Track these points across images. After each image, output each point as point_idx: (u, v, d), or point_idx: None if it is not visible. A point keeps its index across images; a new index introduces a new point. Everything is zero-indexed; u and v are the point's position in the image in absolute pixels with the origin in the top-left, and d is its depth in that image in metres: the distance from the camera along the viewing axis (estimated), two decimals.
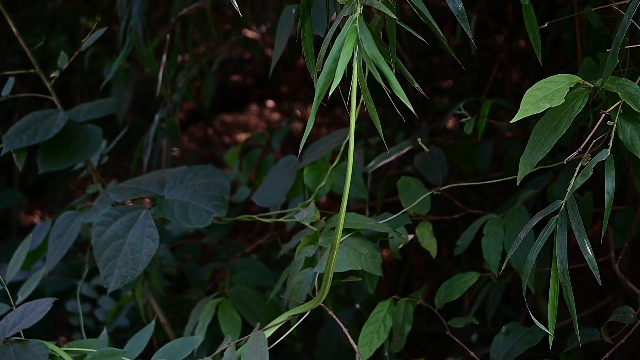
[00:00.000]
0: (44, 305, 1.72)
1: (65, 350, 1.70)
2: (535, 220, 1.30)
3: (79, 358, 1.71)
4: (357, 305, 2.52)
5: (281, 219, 1.97)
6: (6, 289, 1.95)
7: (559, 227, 1.27)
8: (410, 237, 1.89)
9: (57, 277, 3.61)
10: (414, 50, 3.01)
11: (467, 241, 1.87)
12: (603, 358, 1.56)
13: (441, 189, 1.86)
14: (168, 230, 2.90)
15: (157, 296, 2.36)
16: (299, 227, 1.92)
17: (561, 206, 1.28)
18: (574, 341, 1.74)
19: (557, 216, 1.28)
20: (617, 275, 1.74)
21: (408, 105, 1.13)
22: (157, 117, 2.67)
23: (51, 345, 1.68)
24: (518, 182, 1.33)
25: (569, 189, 1.27)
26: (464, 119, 2.04)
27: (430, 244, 1.89)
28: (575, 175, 1.26)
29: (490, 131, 2.43)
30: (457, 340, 1.80)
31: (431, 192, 1.88)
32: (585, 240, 1.24)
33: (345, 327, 2.48)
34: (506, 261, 1.47)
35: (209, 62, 3.20)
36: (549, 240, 2.17)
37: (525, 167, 1.34)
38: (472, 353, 1.74)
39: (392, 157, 2.10)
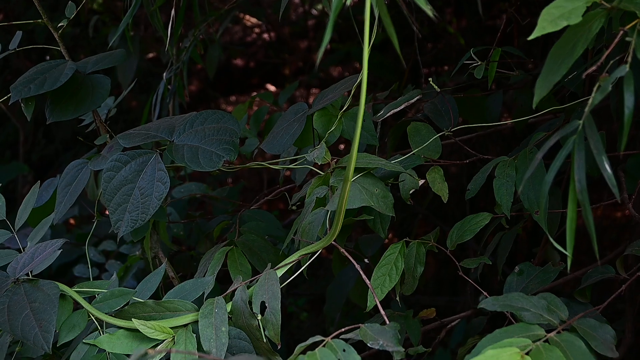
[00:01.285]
0: (55, 246, 1.72)
1: (75, 291, 1.70)
2: (552, 142, 1.28)
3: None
4: (366, 260, 2.50)
5: (292, 165, 1.96)
6: (16, 236, 1.94)
7: (576, 146, 1.25)
8: (421, 182, 1.88)
9: (64, 247, 3.61)
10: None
11: (479, 184, 1.86)
12: (619, 291, 1.55)
13: (453, 129, 1.85)
14: (174, 196, 2.90)
15: (166, 250, 2.35)
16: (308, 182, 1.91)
17: (579, 126, 1.27)
18: (589, 279, 1.73)
19: (574, 136, 1.27)
20: (632, 214, 1.73)
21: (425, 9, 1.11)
22: (165, 75, 2.66)
23: (62, 286, 1.67)
24: (534, 105, 1.32)
25: (587, 108, 1.26)
26: (474, 65, 2.02)
27: (441, 188, 1.88)
28: (594, 91, 1.25)
29: (499, 84, 2.42)
30: (470, 280, 1.79)
31: (442, 132, 1.87)
32: (603, 157, 1.23)
33: (353, 283, 2.48)
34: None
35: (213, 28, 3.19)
36: (560, 183, 2.17)
37: (541, 90, 1.32)
38: (484, 293, 1.73)
39: (401, 107, 2.09)
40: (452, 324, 2.39)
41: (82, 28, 4.75)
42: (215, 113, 1.91)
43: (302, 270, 1.73)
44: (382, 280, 1.79)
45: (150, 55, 5.42)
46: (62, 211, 2.02)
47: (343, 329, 1.46)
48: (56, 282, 1.65)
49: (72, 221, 4.25)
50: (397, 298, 1.85)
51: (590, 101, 1.26)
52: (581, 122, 1.27)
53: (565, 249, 1.30)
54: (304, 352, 1.41)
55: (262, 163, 1.97)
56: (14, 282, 1.66)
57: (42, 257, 1.69)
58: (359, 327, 1.49)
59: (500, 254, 2.06)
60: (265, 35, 6.07)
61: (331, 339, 1.41)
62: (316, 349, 1.39)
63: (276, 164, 2.02)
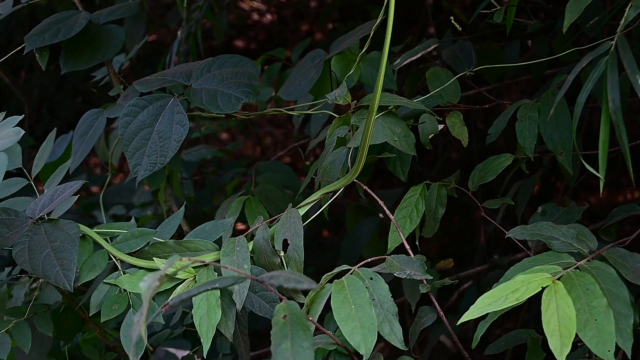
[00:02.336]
0: (74, 187, 1.70)
1: (96, 232, 1.68)
2: (585, 61, 1.27)
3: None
4: (381, 215, 2.49)
5: (310, 111, 1.95)
6: (32, 183, 1.93)
7: (609, 67, 1.24)
8: (441, 127, 1.86)
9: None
10: None
11: (500, 128, 1.84)
12: None
13: (474, 69, 1.83)
14: (185, 159, 2.89)
15: (180, 205, 2.34)
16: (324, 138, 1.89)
17: (611, 46, 1.25)
18: (614, 217, 1.72)
19: (607, 57, 1.25)
20: None
21: None
22: (179, 33, 2.64)
23: (82, 226, 1.66)
24: (565, 30, 1.30)
25: (619, 28, 1.24)
26: (493, 10, 2.00)
27: (461, 132, 1.86)
28: (627, 10, 1.23)
29: (514, 36, 2.41)
30: (493, 222, 1.77)
31: (464, 72, 1.85)
32: (637, 76, 1.21)
33: (367, 239, 2.47)
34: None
35: None
36: (580, 129, 2.15)
37: (572, 14, 1.31)
38: (507, 231, 1.71)
39: (418, 55, 2.07)
40: (462, 287, 2.38)
41: None
42: (232, 57, 1.89)
43: (322, 210, 1.72)
44: (402, 223, 1.77)
45: (152, 38, 5.40)
46: (78, 160, 2.01)
47: (368, 259, 1.45)
48: (76, 223, 1.63)
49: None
50: (417, 242, 1.83)
51: (622, 21, 1.25)
52: (613, 42, 1.26)
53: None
54: (330, 281, 1.40)
55: (280, 109, 1.95)
56: (34, 222, 1.65)
57: (61, 198, 1.68)
58: (384, 259, 1.48)
59: (519, 202, 2.05)
60: (268, 17, 6.04)
61: (358, 267, 1.40)
62: (343, 277, 1.37)
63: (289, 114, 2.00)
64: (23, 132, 1.37)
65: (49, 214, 1.66)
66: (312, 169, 1.87)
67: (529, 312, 2.48)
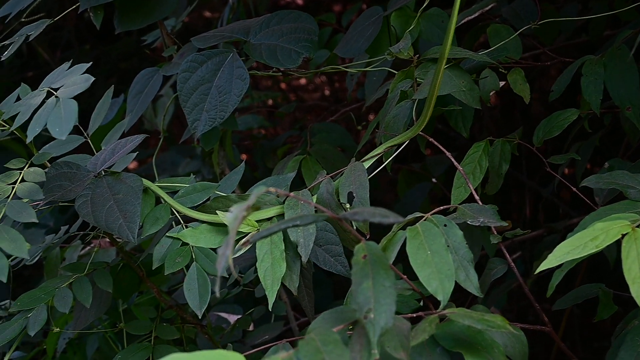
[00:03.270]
0: (135, 141, 1.69)
1: (158, 186, 1.67)
2: None
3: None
4: (434, 180, 2.47)
5: (369, 68, 1.92)
6: (89, 141, 1.92)
7: None
8: (502, 83, 1.83)
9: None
10: None
11: (564, 84, 1.81)
12: None
13: (539, 22, 1.80)
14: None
15: (232, 168, 2.32)
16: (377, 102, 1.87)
17: None
18: None
19: None
20: None
21: None
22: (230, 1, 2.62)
23: (144, 180, 1.64)
24: None
25: None
26: None
27: (523, 89, 1.83)
28: None
29: None
30: (557, 176, 1.74)
31: (527, 26, 1.82)
32: None
33: (419, 204, 2.44)
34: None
35: None
36: None
37: None
38: (573, 187, 1.68)
39: (476, 14, 2.03)
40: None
41: None
42: (291, 13, 1.87)
43: (386, 165, 1.69)
44: (464, 180, 1.74)
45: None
46: (133, 119, 2.00)
47: (441, 207, 1.42)
48: (138, 176, 1.62)
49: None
50: (477, 198, 1.80)
51: None
52: None
53: None
54: (403, 228, 1.38)
55: (338, 67, 1.93)
56: (96, 176, 1.64)
57: (122, 152, 1.67)
58: (455, 207, 1.46)
59: (579, 163, 2.01)
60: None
61: (430, 214, 1.38)
62: (417, 223, 1.35)
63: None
64: (93, 78, 1.35)
65: (109, 169, 1.65)
66: (371, 126, 1.84)
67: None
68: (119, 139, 1.82)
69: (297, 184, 2.01)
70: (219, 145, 2.20)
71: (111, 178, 1.62)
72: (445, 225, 1.35)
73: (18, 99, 1.62)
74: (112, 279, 1.77)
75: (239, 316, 2.32)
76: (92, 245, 2.39)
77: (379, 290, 1.11)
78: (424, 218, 1.36)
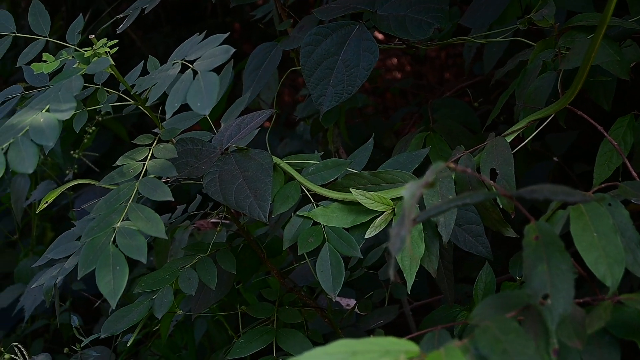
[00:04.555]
0: (262, 116, 1.62)
1: (287, 163, 1.60)
2: None
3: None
4: (555, 159, 2.35)
5: (499, 39, 1.82)
6: (207, 117, 1.86)
7: None
8: None
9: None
10: None
11: None
12: None
13: None
14: None
15: (345, 146, 2.25)
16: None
17: None
18: None
19: None
20: None
21: None
22: None
23: (274, 157, 1.58)
24: None
25: None
26: None
27: None
28: None
29: None
30: None
31: None
32: None
33: (543, 182, 2.33)
34: None
35: None
36: None
37: None
38: None
39: None
40: None
41: None
42: None
43: (526, 143, 1.60)
44: (608, 157, 1.64)
45: None
46: (252, 96, 1.94)
47: (603, 185, 1.32)
48: (268, 152, 1.56)
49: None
50: (635, 175, 1.69)
51: None
52: None
53: None
54: (561, 207, 1.28)
55: (465, 38, 1.83)
56: (222, 152, 1.58)
57: (250, 127, 1.61)
58: (615, 185, 1.36)
59: None
60: None
61: (592, 192, 1.28)
62: (579, 204, 1.25)
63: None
64: (233, 50, 1.28)
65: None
66: (501, 100, 1.75)
67: None
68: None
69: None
70: (333, 123, 2.12)
71: (239, 155, 1.56)
72: (609, 205, 1.25)
73: (142, 73, 1.56)
74: (235, 260, 1.71)
75: (350, 299, 2.25)
76: (194, 225, 2.35)
77: (556, 274, 1.03)
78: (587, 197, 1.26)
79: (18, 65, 1.47)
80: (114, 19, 1.95)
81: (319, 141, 2.41)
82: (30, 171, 1.15)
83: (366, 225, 1.54)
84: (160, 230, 1.33)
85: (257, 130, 1.66)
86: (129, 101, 1.57)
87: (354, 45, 1.70)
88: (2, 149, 1.17)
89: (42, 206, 1.61)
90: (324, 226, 1.53)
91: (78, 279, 1.30)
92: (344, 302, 2.29)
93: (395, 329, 2.30)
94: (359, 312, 2.08)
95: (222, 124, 1.82)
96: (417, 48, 1.85)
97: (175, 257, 2.18)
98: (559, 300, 1.01)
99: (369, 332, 2.14)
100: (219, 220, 2.86)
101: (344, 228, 1.53)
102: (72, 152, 2.52)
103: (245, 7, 3.88)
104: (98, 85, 1.58)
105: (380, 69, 3.07)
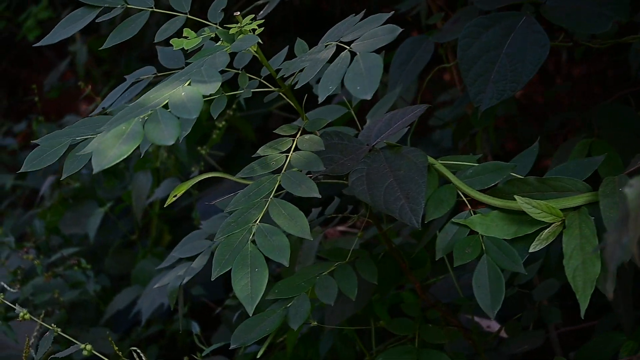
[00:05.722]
0: (416, 111, 1.47)
1: (442, 164, 1.44)
2: None
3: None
4: None
5: None
6: (352, 112, 1.72)
7: None
8: None
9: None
10: None
11: None
12: None
13: None
14: None
15: (493, 154, 2.07)
16: None
17: None
18: None
19: None
20: None
21: None
22: None
23: (430, 158, 1.42)
24: None
25: None
26: None
27: None
28: None
29: None
30: None
31: None
32: None
33: None
34: None
35: None
36: None
37: None
38: None
39: None
40: None
41: None
42: None
43: None
44: None
45: None
46: (402, 91, 1.79)
47: None
48: (422, 151, 1.39)
49: None
50: None
51: None
52: None
53: None
54: None
55: None
56: (370, 150, 1.43)
57: (401, 123, 1.45)
58: None
59: None
60: None
61: None
62: None
63: None
64: (399, 29, 1.13)
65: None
66: None
67: None
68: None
69: None
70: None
71: (390, 152, 1.40)
72: None
73: (288, 57, 1.43)
74: (376, 269, 1.56)
75: (492, 321, 2.07)
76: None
77: None
78: None
79: (156, 41, 1.35)
80: (254, 5, 1.83)
81: (459, 149, 2.23)
82: (171, 143, 1.03)
83: (530, 238, 1.35)
84: (305, 230, 1.19)
85: (407, 128, 1.51)
86: (270, 88, 1.44)
87: (520, 38, 1.53)
88: (141, 120, 1.05)
89: (171, 199, 1.49)
90: (481, 236, 1.36)
91: (212, 279, 1.18)
92: (484, 323, 2.11)
93: (539, 356, 2.10)
94: (505, 334, 1.89)
95: (367, 120, 1.67)
96: (586, 46, 1.66)
97: (304, 265, 2.05)
98: None
99: (511, 358, 1.96)
100: (347, 229, 2.73)
101: (506, 239, 1.36)
102: (199, 147, 2.42)
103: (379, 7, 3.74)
104: (238, 70, 1.46)
105: None
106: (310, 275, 1.52)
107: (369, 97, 1.07)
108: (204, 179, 1.60)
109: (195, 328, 1.88)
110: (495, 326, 2.04)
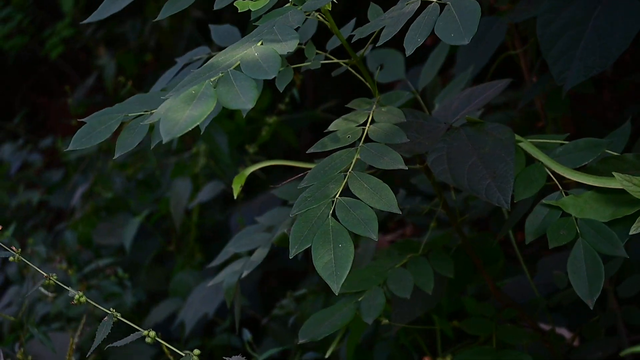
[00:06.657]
0: (498, 85, 1.36)
1: (529, 141, 1.32)
2: None
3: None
4: None
5: None
6: (417, 96, 1.61)
7: None
8: None
9: None
10: None
11: None
12: None
13: None
14: None
15: None
16: None
17: None
18: None
19: None
20: None
21: None
22: None
23: (517, 136, 1.29)
24: None
25: None
26: None
27: None
28: None
29: None
30: None
31: None
32: None
33: None
34: None
35: None
36: None
37: None
38: None
39: None
40: None
41: None
42: None
43: None
44: None
45: None
46: (475, 71, 1.68)
47: None
48: (508, 127, 1.28)
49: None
50: None
51: None
52: None
53: None
54: None
55: None
56: (448, 128, 1.31)
57: (482, 99, 1.34)
58: None
59: None
60: None
61: None
62: None
63: None
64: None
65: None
66: None
67: None
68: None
69: None
70: None
71: (472, 129, 1.28)
72: None
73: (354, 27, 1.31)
74: (452, 263, 1.43)
75: (561, 328, 1.93)
76: None
77: None
78: None
79: (215, 9, 1.23)
80: None
81: None
82: (249, 107, 0.91)
83: (630, 220, 1.22)
84: (392, 203, 1.07)
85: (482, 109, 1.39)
86: (334, 60, 1.32)
87: (609, 10, 1.42)
88: (212, 82, 0.94)
89: (238, 190, 1.36)
90: (575, 219, 1.23)
91: (290, 257, 1.05)
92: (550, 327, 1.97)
93: None
94: (577, 342, 1.76)
95: (436, 105, 1.56)
96: None
97: (359, 267, 1.92)
98: None
99: None
100: (394, 239, 2.59)
101: (602, 222, 1.23)
102: (246, 145, 2.30)
103: None
104: (302, 44, 1.34)
105: None
106: (382, 267, 1.40)
107: (466, 42, 0.95)
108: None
109: (247, 335, 1.75)
110: (564, 333, 1.90)
